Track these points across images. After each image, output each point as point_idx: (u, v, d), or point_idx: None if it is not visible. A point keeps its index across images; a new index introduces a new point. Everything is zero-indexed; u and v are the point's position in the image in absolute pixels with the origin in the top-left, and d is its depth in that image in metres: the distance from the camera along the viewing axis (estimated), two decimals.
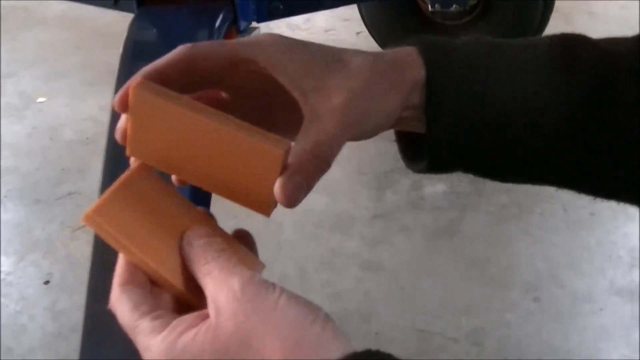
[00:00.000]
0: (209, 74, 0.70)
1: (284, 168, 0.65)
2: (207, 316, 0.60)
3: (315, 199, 2.80)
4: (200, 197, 1.12)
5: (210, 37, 1.27)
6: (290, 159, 0.65)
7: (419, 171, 0.80)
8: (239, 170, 0.66)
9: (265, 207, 0.67)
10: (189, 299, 0.64)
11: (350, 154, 2.99)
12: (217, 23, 1.28)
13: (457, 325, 2.28)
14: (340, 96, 0.68)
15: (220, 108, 0.67)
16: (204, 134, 0.65)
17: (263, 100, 0.75)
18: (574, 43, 0.77)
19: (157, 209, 0.67)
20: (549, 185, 0.81)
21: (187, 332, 0.59)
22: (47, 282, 2.51)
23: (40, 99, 3.68)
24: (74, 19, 4.42)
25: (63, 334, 2.32)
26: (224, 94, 0.75)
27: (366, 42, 3.76)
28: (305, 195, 0.66)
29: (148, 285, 0.65)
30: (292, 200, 0.65)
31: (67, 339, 2.28)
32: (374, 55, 0.73)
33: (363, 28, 3.71)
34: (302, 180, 0.65)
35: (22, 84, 3.87)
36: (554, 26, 3.77)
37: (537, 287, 2.40)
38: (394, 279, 2.48)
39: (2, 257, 2.65)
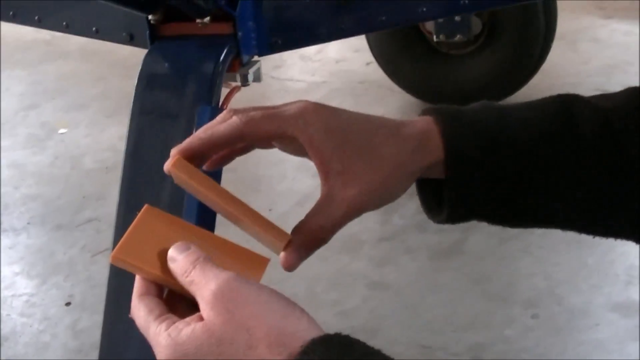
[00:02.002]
0: (254, 143, 0.83)
1: (289, 243, 0.80)
2: (202, 317, 0.70)
3: None
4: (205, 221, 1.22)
5: (216, 68, 1.38)
6: (296, 231, 0.80)
7: (440, 222, 0.90)
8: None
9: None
10: None
11: None
12: (222, 57, 1.39)
13: (459, 341, 2.37)
14: (356, 188, 0.80)
15: None
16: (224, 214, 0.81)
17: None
18: (570, 102, 0.87)
19: (169, 237, 0.78)
20: (556, 228, 0.90)
21: (185, 328, 0.69)
22: (68, 304, 2.62)
23: (62, 130, 3.81)
24: (94, 51, 4.53)
25: (84, 351, 2.42)
26: None
27: (375, 73, 3.86)
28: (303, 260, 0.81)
29: (161, 294, 0.76)
30: (293, 267, 0.80)
31: (88, 354, 2.38)
32: (402, 138, 0.83)
33: (372, 59, 3.80)
34: (302, 254, 0.80)
35: (44, 115, 4.00)
36: (560, 54, 3.87)
37: (536, 304, 2.48)
38: (399, 297, 2.57)
39: (26, 280, 2.77)
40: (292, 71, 4.33)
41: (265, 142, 0.82)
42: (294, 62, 4.37)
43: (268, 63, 4.04)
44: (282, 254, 0.80)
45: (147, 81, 1.43)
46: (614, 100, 0.88)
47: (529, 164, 0.84)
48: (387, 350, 0.69)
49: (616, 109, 0.86)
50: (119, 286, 1.35)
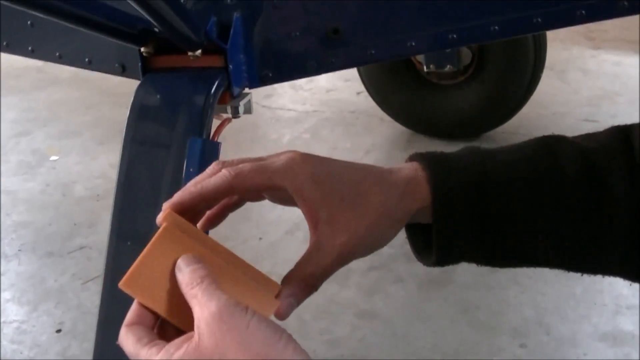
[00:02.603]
0: (245, 196, 0.86)
1: (279, 292, 0.81)
2: (192, 336, 0.72)
3: None
4: None
5: (207, 101, 1.40)
6: (286, 280, 0.82)
7: (430, 265, 0.91)
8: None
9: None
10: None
11: None
12: (213, 89, 1.41)
13: None
14: (344, 236, 0.82)
15: None
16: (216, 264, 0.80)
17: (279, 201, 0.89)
18: (554, 144, 0.89)
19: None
20: (544, 267, 0.91)
21: (177, 351, 0.71)
22: (59, 331, 2.63)
23: (53, 157, 3.83)
24: (85, 79, 4.57)
25: None
26: None
27: (365, 102, 3.88)
28: (294, 309, 0.82)
29: (152, 324, 0.78)
30: (285, 315, 0.81)
31: None
32: (388, 186, 0.85)
33: (363, 88, 3.83)
34: (293, 301, 0.81)
35: (36, 142, 4.04)
36: (549, 84, 3.91)
37: (524, 334, 2.50)
38: (388, 325, 2.58)
39: (16, 307, 2.77)
40: (283, 100, 4.36)
41: (255, 194, 0.85)
42: (284, 91, 4.40)
43: (259, 92, 4.06)
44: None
45: (140, 112, 1.44)
46: (598, 140, 0.90)
47: (514, 207, 0.86)
48: None
49: (599, 149, 0.88)
50: (110, 313, 1.36)
